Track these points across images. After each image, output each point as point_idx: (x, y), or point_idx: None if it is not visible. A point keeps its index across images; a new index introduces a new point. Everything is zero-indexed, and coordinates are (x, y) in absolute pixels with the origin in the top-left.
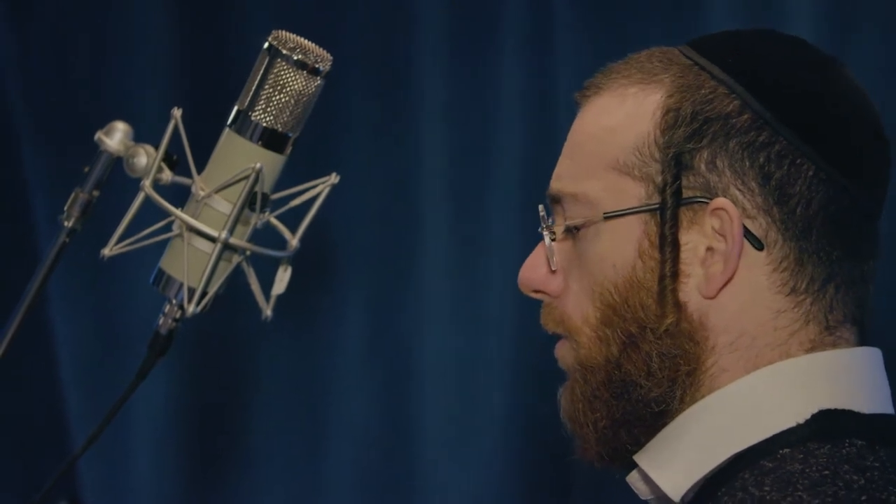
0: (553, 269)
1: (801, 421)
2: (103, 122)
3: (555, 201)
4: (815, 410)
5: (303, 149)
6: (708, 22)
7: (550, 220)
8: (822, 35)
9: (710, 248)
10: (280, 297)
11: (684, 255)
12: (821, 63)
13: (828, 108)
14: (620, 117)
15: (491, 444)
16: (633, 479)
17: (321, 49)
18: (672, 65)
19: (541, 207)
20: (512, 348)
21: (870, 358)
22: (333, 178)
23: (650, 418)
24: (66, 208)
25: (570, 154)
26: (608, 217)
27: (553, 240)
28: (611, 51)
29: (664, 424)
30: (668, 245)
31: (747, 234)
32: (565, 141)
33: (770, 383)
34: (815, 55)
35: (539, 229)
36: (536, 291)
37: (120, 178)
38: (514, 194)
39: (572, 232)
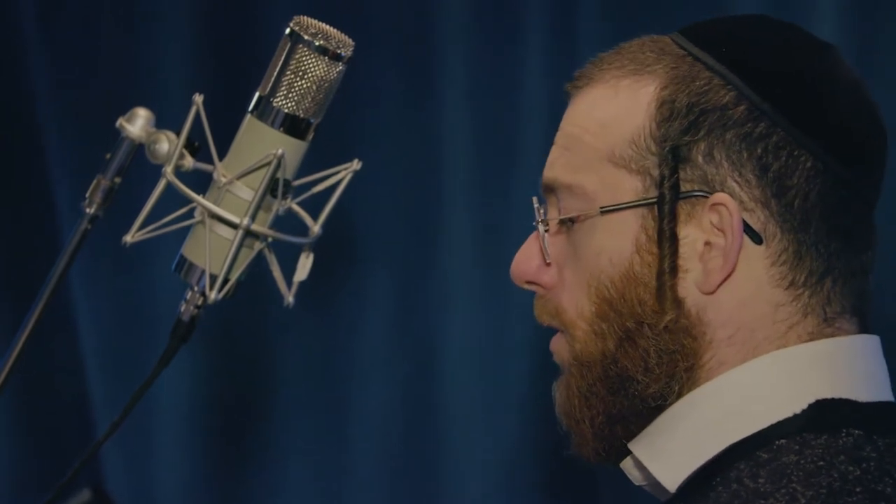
0: (547, 261)
1: (798, 411)
2: (125, 108)
3: (548, 190)
4: (812, 400)
5: (325, 135)
6: (735, 7)
7: (543, 212)
8: (848, 28)
9: (708, 243)
10: (302, 284)
11: (682, 249)
12: (816, 50)
13: (825, 96)
14: (615, 110)
15: (515, 431)
16: (628, 465)
17: (343, 34)
18: (665, 55)
19: (534, 199)
20: (536, 335)
21: (867, 345)
22: (356, 165)
23: (647, 413)
24: (87, 195)
25: (564, 144)
26: (605, 211)
27: (547, 231)
28: (634, 35)
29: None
30: (667, 240)
31: (746, 228)
32: (557, 130)
33: (765, 373)
34: (810, 41)
35: (533, 222)
36: (529, 283)
37: (141, 165)
38: (538, 180)
39: (567, 224)
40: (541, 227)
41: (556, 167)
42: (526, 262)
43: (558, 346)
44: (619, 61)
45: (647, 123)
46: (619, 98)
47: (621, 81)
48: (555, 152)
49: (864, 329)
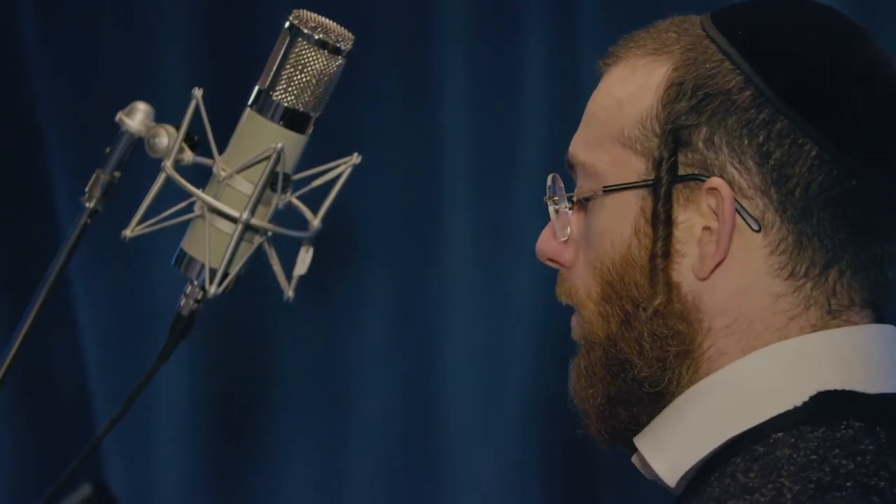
0: (562, 239)
1: (799, 403)
2: (125, 102)
3: (571, 167)
4: (814, 392)
5: (324, 135)
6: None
7: (558, 191)
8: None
9: (706, 228)
10: (301, 278)
11: (680, 234)
12: (838, 36)
13: (836, 85)
14: (630, 89)
15: (514, 430)
16: (637, 461)
17: (342, 28)
18: (685, 36)
19: (549, 178)
20: (537, 333)
21: (880, 335)
22: (355, 159)
23: (647, 399)
24: (87, 189)
25: (586, 121)
26: (607, 191)
27: (570, 209)
28: (635, 30)
29: (663, 407)
30: (661, 223)
31: (744, 214)
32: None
33: (767, 365)
34: (837, 27)
35: (544, 198)
36: (550, 260)
37: (141, 159)
38: (538, 176)
39: (583, 203)
40: (550, 205)
41: (577, 144)
42: (547, 239)
43: (574, 324)
44: (643, 40)
45: (654, 104)
46: (635, 77)
47: (640, 61)
48: (579, 130)
49: (878, 322)
